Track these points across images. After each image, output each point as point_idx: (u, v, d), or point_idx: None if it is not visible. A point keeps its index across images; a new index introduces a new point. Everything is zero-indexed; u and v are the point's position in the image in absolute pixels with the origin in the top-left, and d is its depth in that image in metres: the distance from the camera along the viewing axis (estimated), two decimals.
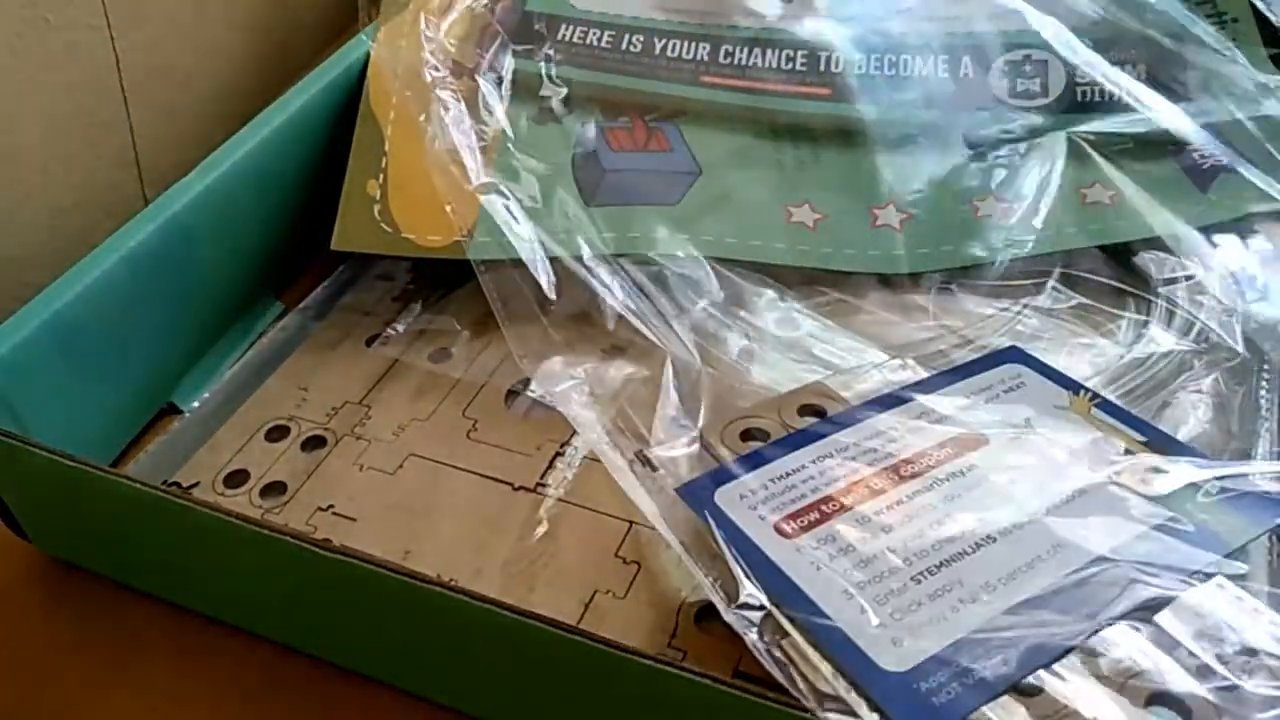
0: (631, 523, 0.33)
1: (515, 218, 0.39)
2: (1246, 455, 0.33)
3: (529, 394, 0.37)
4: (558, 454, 0.35)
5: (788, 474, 0.31)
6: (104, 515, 0.31)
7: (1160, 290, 0.37)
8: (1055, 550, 0.28)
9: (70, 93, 0.43)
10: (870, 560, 0.28)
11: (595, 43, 0.45)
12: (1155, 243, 0.38)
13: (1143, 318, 0.37)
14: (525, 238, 0.38)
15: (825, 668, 0.26)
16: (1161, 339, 0.35)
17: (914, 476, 0.31)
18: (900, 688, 0.25)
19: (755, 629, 0.27)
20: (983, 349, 0.37)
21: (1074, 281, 0.38)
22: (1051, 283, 0.38)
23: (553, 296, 0.37)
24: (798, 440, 0.32)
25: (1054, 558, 0.28)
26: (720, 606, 0.28)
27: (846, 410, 0.33)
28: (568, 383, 0.35)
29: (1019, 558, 0.28)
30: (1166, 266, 0.37)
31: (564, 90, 0.44)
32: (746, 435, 0.33)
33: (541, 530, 0.33)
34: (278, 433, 0.36)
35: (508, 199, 0.39)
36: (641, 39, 0.45)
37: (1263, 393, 0.35)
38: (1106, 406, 0.33)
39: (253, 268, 0.40)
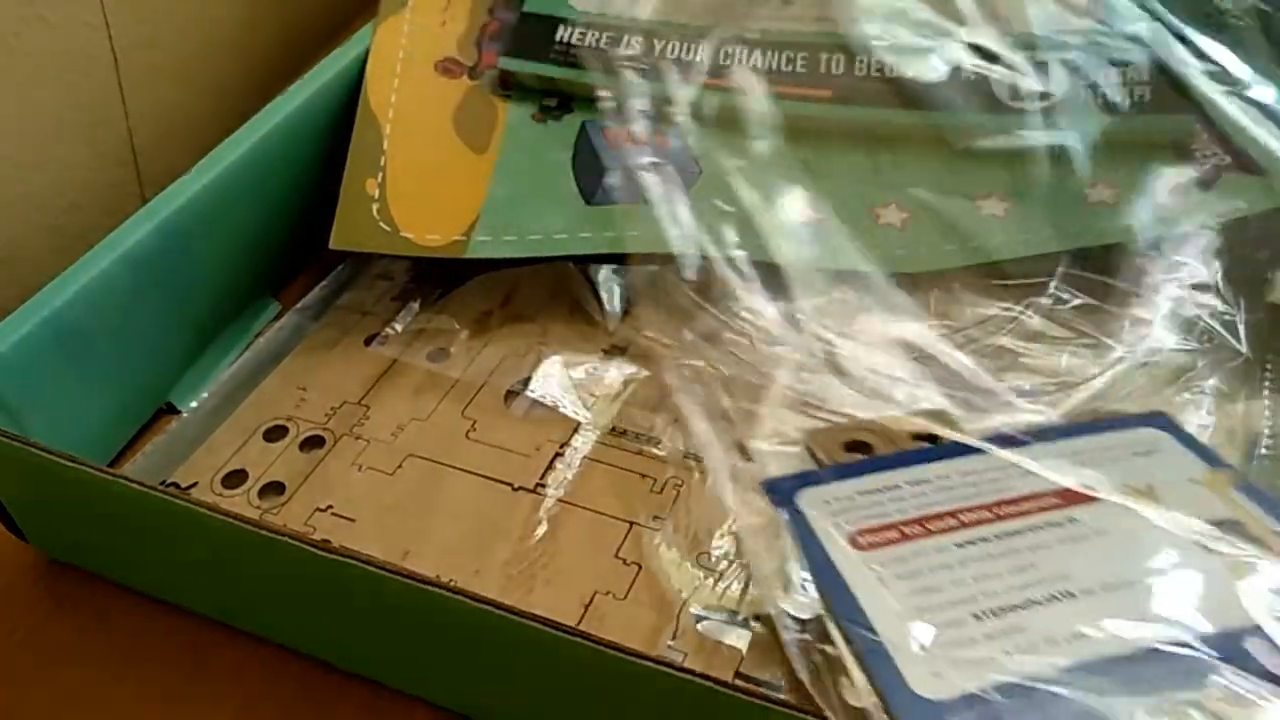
0: (631, 523, 0.33)
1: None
2: (1248, 456, 0.32)
3: (528, 394, 0.37)
4: (557, 454, 0.35)
5: (879, 490, 0.30)
6: (101, 516, 0.31)
7: (1163, 290, 0.36)
8: (1136, 621, 0.27)
9: (68, 91, 0.42)
10: (935, 589, 0.28)
11: (594, 44, 0.45)
12: (1158, 242, 0.38)
13: (1145, 317, 0.37)
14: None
15: (860, 680, 0.25)
16: (1164, 339, 0.35)
17: (1008, 518, 0.30)
18: (926, 716, 0.25)
19: (798, 628, 0.27)
20: (986, 348, 0.37)
21: (1076, 281, 0.38)
22: (1054, 282, 0.38)
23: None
24: (899, 460, 0.32)
25: (1132, 629, 0.27)
26: (769, 602, 0.27)
27: (960, 442, 0.32)
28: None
29: (1093, 620, 0.27)
30: (1169, 266, 0.37)
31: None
32: (852, 446, 0.33)
33: (541, 531, 0.33)
34: (276, 433, 0.36)
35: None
36: (641, 40, 0.45)
37: (1265, 393, 0.34)
38: (1250, 490, 0.31)
39: (251, 267, 0.40)
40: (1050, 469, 0.31)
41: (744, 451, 0.33)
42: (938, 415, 0.33)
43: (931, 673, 0.26)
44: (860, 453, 0.32)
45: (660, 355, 0.37)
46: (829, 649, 0.27)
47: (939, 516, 0.30)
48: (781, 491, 0.30)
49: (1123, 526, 0.30)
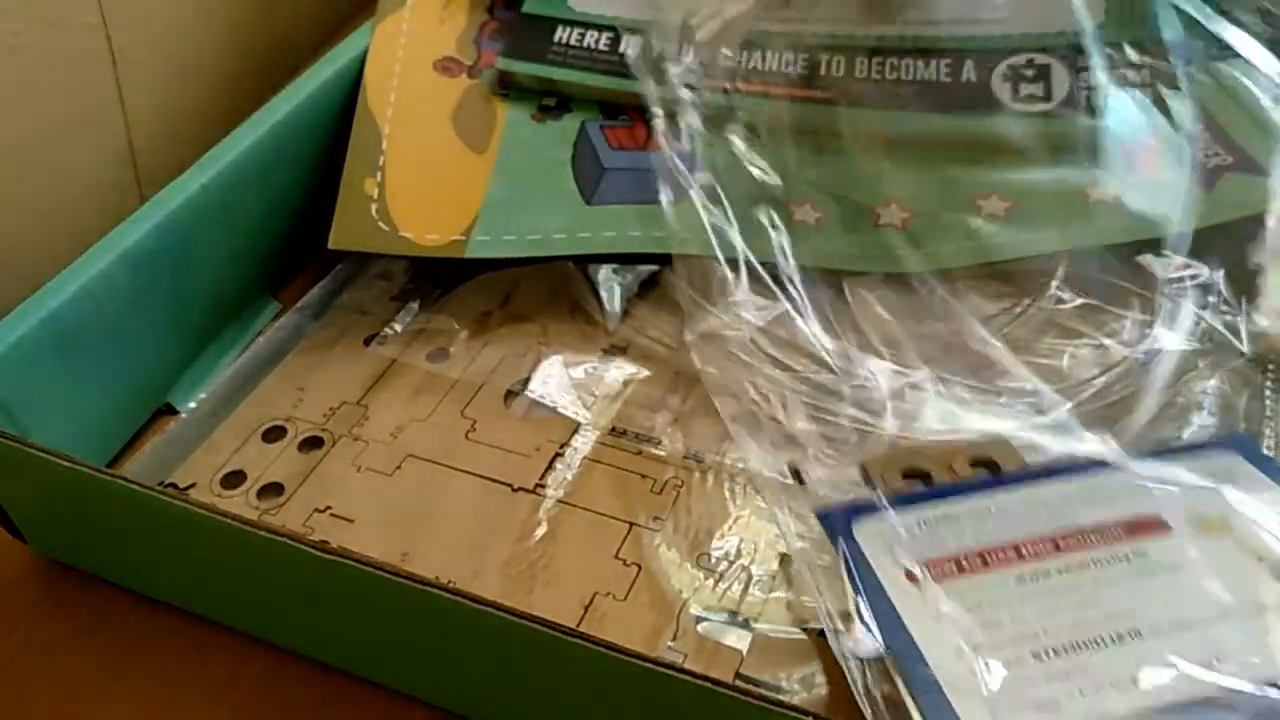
0: (631, 524, 0.33)
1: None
2: None
3: (528, 394, 0.37)
4: (557, 455, 0.35)
5: (938, 520, 0.29)
6: (100, 516, 0.31)
7: (1165, 290, 0.36)
8: (1207, 664, 0.26)
9: (67, 91, 0.42)
10: (995, 625, 0.27)
11: (593, 45, 0.45)
12: (1160, 242, 0.37)
13: (1147, 318, 0.37)
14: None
15: None
16: (1166, 339, 0.35)
17: (1074, 550, 0.29)
18: None
19: (859, 665, 0.26)
20: (986, 347, 0.37)
21: (1078, 281, 0.38)
22: (1055, 282, 0.38)
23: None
24: (958, 490, 0.30)
25: (1202, 672, 0.26)
26: (830, 638, 0.27)
27: (1022, 469, 0.31)
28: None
29: (1162, 662, 0.26)
30: (1171, 266, 0.37)
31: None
32: (910, 474, 0.32)
33: (541, 531, 0.33)
34: (275, 433, 0.36)
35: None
36: (639, 40, 0.45)
37: (1268, 393, 0.34)
38: None
39: (249, 266, 0.40)
40: (1116, 499, 0.30)
41: (797, 475, 0.32)
42: (999, 441, 0.32)
43: (990, 711, 0.25)
44: (918, 479, 0.31)
45: (660, 355, 0.38)
46: (888, 688, 0.26)
47: (999, 549, 0.29)
48: (837, 522, 0.29)
49: (1194, 561, 0.28)
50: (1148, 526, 0.29)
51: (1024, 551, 0.29)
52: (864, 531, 0.29)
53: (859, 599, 0.27)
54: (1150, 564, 0.28)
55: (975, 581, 0.28)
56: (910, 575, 0.28)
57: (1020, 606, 0.27)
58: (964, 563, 0.28)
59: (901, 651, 0.26)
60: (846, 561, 0.28)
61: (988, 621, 0.27)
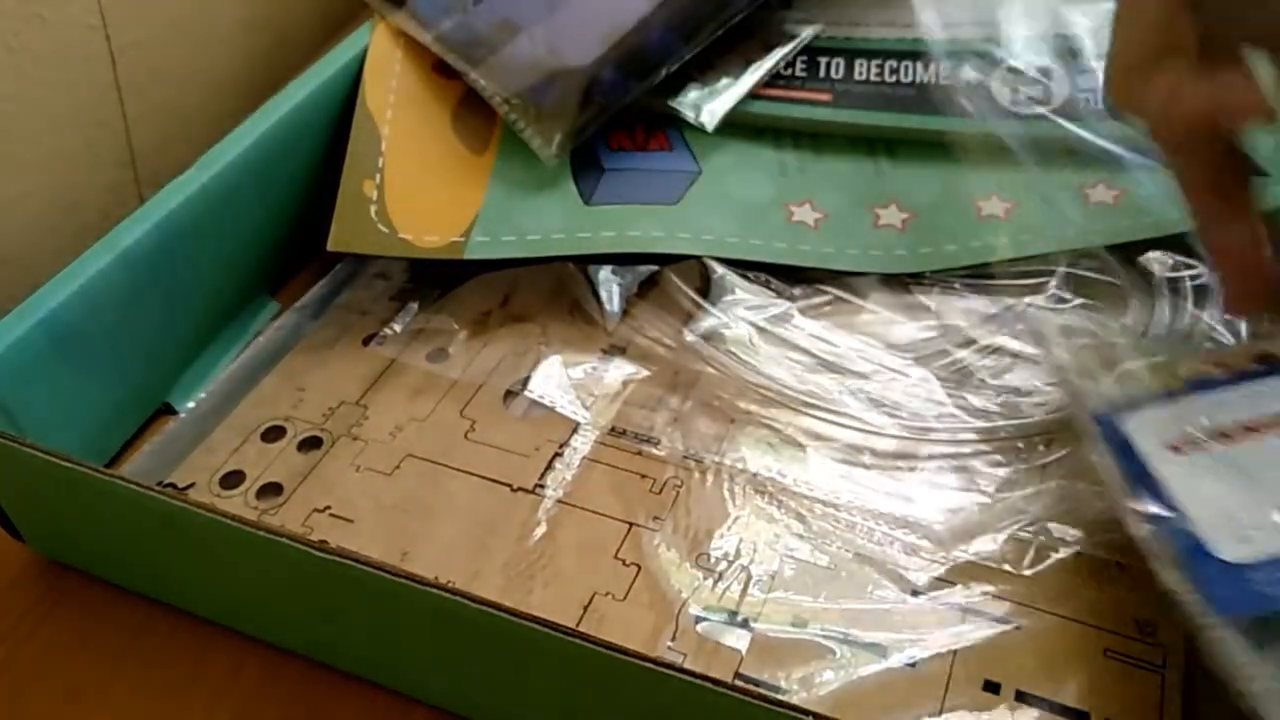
0: (631, 524, 0.33)
1: None
2: None
3: (527, 394, 0.37)
4: (556, 455, 0.35)
5: (1208, 406, 0.30)
6: (99, 516, 0.31)
7: (1163, 290, 0.36)
8: None
9: (67, 91, 0.42)
10: (1264, 486, 0.27)
11: None
12: (1158, 242, 0.37)
13: (1145, 318, 0.37)
14: None
15: (1172, 564, 0.26)
16: (1164, 339, 0.35)
17: None
18: (1230, 573, 0.25)
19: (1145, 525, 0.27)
20: (985, 348, 0.37)
21: (1077, 281, 0.38)
22: (1054, 282, 0.38)
23: None
24: (1232, 380, 0.31)
25: None
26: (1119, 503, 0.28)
27: None
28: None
29: None
30: (1169, 266, 0.37)
31: None
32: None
33: (540, 532, 0.33)
34: (274, 433, 0.36)
35: None
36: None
37: None
38: None
39: (248, 266, 0.40)
40: None
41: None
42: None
43: (1238, 539, 0.26)
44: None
45: (660, 355, 0.37)
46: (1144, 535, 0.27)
47: (1268, 420, 0.29)
48: (1107, 422, 0.30)
49: None
50: None
51: None
52: (1134, 422, 0.30)
53: (1121, 469, 0.28)
54: None
55: (1242, 445, 0.29)
56: (1174, 447, 0.29)
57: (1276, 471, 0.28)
58: (1230, 434, 0.29)
59: (1157, 501, 0.27)
60: (1109, 445, 0.29)
61: (1255, 483, 0.28)
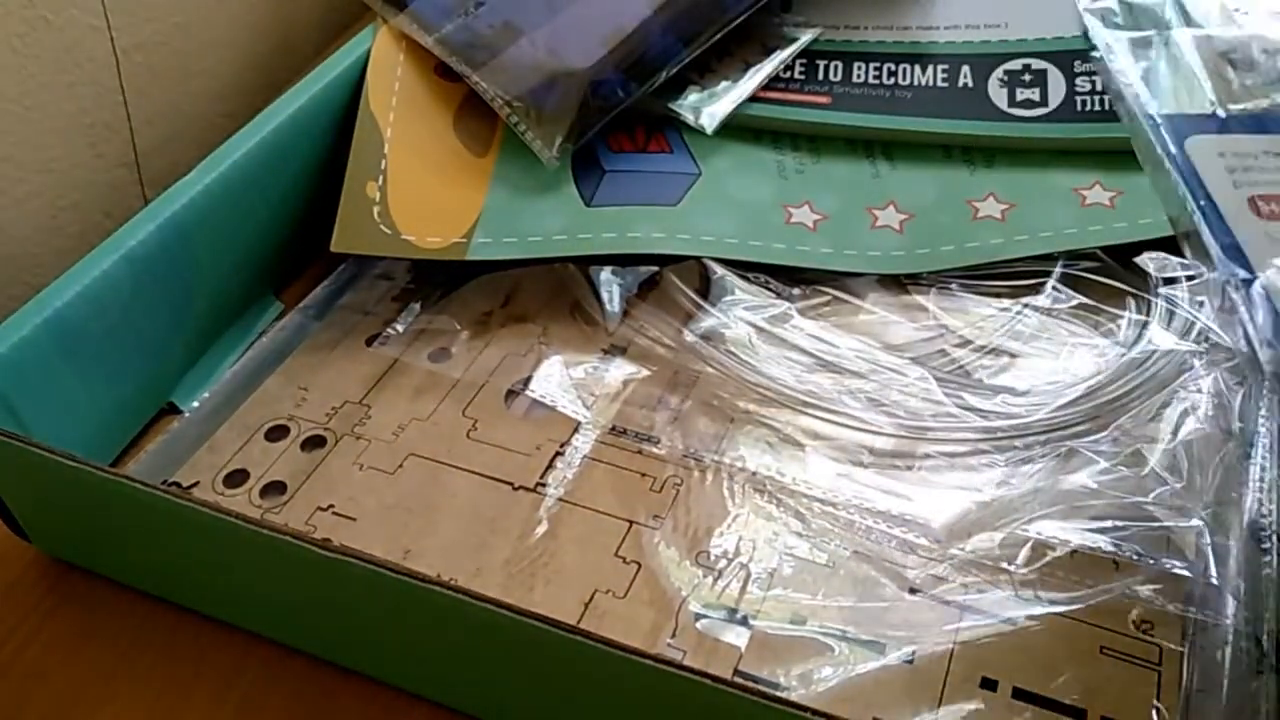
0: (631, 522, 0.33)
1: None
2: (1246, 455, 0.32)
3: (528, 394, 0.37)
4: (557, 453, 0.35)
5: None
6: (103, 515, 0.31)
7: (1160, 290, 0.37)
8: None
9: (70, 92, 0.43)
10: None
11: None
12: (1154, 243, 0.38)
13: (1142, 318, 0.37)
14: None
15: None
16: (1161, 339, 0.35)
17: None
18: None
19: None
20: (982, 348, 0.37)
21: (1074, 281, 0.38)
22: (1051, 282, 0.38)
23: None
24: None
25: None
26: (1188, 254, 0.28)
27: None
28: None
29: None
30: (1166, 266, 0.37)
31: None
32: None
33: (541, 530, 0.33)
34: (277, 432, 0.36)
35: None
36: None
37: (1264, 393, 0.34)
38: None
39: (252, 267, 0.40)
40: None
41: None
42: None
43: None
44: None
45: (660, 355, 0.38)
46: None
47: None
48: (1179, 132, 0.29)
49: None
50: None
51: None
52: (1198, 147, 0.29)
53: (1207, 229, 0.29)
54: None
55: None
56: (1256, 207, 0.28)
57: None
58: None
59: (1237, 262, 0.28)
60: (1181, 175, 0.29)
61: None
